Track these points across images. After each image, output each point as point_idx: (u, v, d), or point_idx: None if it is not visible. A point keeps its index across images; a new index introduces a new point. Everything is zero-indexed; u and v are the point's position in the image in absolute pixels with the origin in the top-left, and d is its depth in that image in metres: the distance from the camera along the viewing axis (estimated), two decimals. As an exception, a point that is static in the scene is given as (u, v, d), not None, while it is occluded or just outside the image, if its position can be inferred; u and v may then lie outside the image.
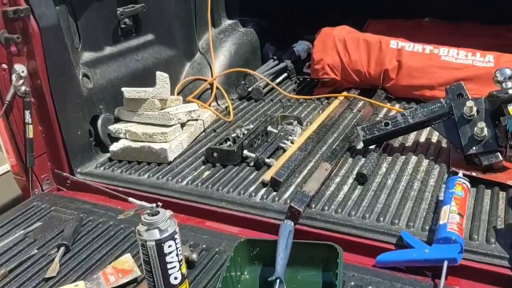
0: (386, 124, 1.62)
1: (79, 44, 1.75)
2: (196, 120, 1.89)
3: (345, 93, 2.13)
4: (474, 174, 1.45)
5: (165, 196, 1.52)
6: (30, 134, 1.57)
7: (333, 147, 1.68)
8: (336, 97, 2.12)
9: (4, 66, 1.51)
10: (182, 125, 1.82)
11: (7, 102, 1.51)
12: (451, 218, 1.19)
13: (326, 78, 2.17)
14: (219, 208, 1.45)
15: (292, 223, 1.15)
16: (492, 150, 1.46)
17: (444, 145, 1.68)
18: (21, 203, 1.53)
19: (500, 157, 1.45)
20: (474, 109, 1.49)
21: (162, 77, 1.77)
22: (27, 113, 1.56)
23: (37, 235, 1.36)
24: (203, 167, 1.67)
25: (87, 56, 1.79)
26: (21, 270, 1.23)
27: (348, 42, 2.14)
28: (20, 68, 1.53)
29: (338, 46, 2.14)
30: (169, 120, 1.75)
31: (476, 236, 1.21)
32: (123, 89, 1.79)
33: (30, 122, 1.56)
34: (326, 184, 1.48)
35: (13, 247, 1.32)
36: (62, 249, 1.27)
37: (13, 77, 1.52)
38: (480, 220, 1.27)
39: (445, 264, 1.10)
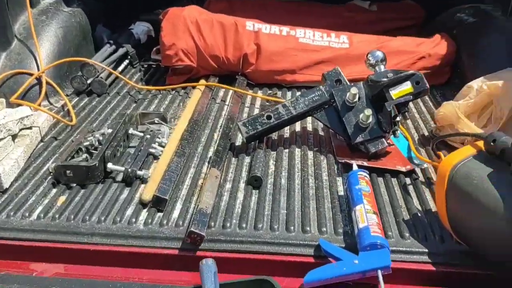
0: (269, 118, 1.47)
1: None
2: (30, 128, 1.46)
3: (204, 82, 1.92)
4: (365, 163, 1.40)
5: (10, 240, 1.12)
6: None
7: (212, 148, 1.47)
8: (194, 87, 1.89)
9: None
10: (14, 137, 1.39)
11: None
12: (370, 219, 1.11)
13: (181, 65, 1.92)
14: (91, 245, 1.12)
15: (213, 261, 0.92)
16: (377, 137, 1.43)
17: (321, 133, 1.61)
18: None
19: (386, 143, 1.43)
20: (357, 96, 1.44)
21: (-24, 76, 1.31)
22: None
23: None
24: (54, 190, 1.29)
25: None
26: None
27: (202, 24, 1.91)
28: None
29: (191, 28, 1.90)
30: (-6, 133, 1.31)
31: (390, 233, 1.15)
32: None
33: None
34: (218, 194, 1.27)
35: None
36: None
37: None
38: (387, 214, 1.22)
39: (380, 274, 1.01)
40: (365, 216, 1.11)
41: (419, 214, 1.22)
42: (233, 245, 1.12)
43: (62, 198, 1.25)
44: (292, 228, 1.16)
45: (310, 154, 1.49)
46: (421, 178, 1.38)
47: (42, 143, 1.51)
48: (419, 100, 1.81)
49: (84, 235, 1.13)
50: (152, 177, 1.30)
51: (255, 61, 1.93)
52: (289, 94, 1.92)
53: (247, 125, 1.46)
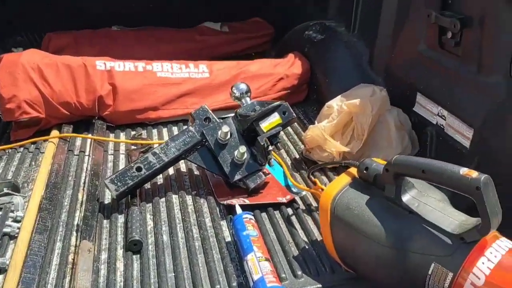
0: (139, 169, 1.36)
1: None
2: None
3: (56, 133, 1.71)
4: (247, 201, 1.36)
5: None
6: None
7: (79, 214, 1.31)
8: (46, 140, 1.68)
9: None
10: None
11: None
12: (263, 268, 1.07)
13: (26, 117, 1.69)
14: None
15: None
16: (255, 171, 1.41)
17: (196, 172, 1.54)
18: None
19: (264, 176, 1.42)
20: (229, 133, 1.40)
21: None
22: None
23: None
24: None
25: None
26: None
27: (45, 70, 1.71)
28: None
29: (33, 76, 1.68)
30: None
31: (284, 275, 1.13)
32: None
33: None
34: (95, 270, 1.13)
35: None
36: None
37: None
38: (277, 254, 1.19)
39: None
40: (258, 265, 1.07)
41: (307, 247, 1.22)
42: (121, 330, 1.00)
43: None
44: (183, 293, 1.08)
45: (189, 199, 1.41)
46: (302, 206, 1.38)
47: None
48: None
49: None
50: (11, 265, 1.10)
51: (112, 102, 1.78)
52: (154, 131, 1.82)
53: (116, 181, 1.33)
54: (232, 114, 1.46)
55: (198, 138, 1.41)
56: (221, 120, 1.44)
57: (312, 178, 1.45)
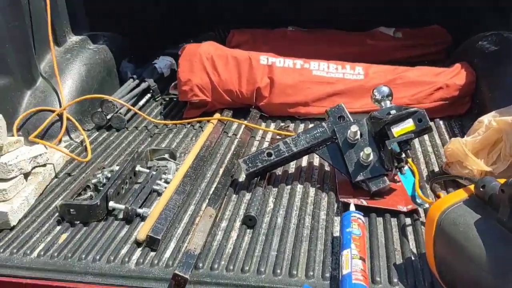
0: (269, 155, 1.48)
1: None
2: (44, 165, 1.55)
3: (218, 116, 1.96)
4: (364, 202, 1.37)
5: (9, 277, 1.19)
6: None
7: (215, 185, 1.49)
8: (208, 121, 1.93)
9: None
10: (26, 175, 1.48)
11: None
12: (354, 265, 1.08)
13: (196, 100, 1.97)
14: (84, 284, 1.16)
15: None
16: (379, 175, 1.40)
17: (327, 168, 1.59)
18: None
19: (388, 182, 1.40)
20: (358, 133, 1.42)
21: (-8, 118, 1.41)
22: None
23: None
24: (58, 228, 1.35)
25: None
26: None
27: (217, 60, 1.96)
28: None
29: (206, 65, 1.95)
30: (7, 172, 1.39)
31: (378, 279, 1.12)
32: None
33: None
34: (212, 233, 1.29)
35: None
36: None
37: None
38: (379, 258, 1.19)
39: (357, 324, 0.98)
40: (350, 262, 1.09)
41: (413, 258, 1.18)
42: (214, 287, 1.13)
43: (64, 236, 1.31)
44: (279, 271, 1.16)
45: (312, 191, 1.48)
46: (422, 218, 1.33)
47: (56, 179, 1.59)
48: (434, 131, 1.76)
49: (78, 274, 1.18)
50: (150, 216, 1.33)
51: (268, 94, 1.95)
52: (302, 126, 1.92)
53: (248, 162, 1.47)
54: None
55: (328, 134, 1.46)
56: (355, 120, 1.47)
57: (436, 191, 1.37)
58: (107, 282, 1.16)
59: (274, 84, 1.93)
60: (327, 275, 1.14)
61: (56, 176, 1.60)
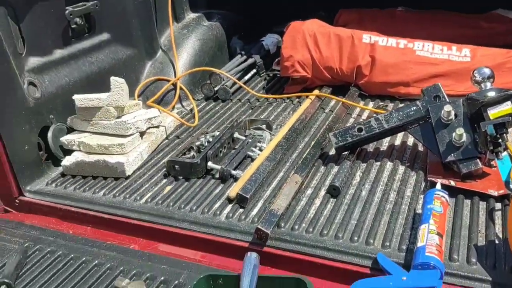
0: (360, 130, 1.51)
1: (23, 49, 1.59)
2: (157, 127, 1.75)
3: (316, 92, 2.02)
4: (452, 183, 1.36)
5: (122, 217, 1.40)
6: (-31, 152, 1.41)
7: (304, 155, 1.57)
8: (307, 96, 2.01)
9: None
10: (142, 133, 1.68)
11: None
12: (430, 240, 1.10)
13: (296, 75, 2.05)
14: (180, 229, 1.33)
15: (257, 256, 1.04)
16: (471, 157, 1.37)
17: (420, 148, 1.58)
18: (-40, 231, 1.38)
19: (480, 164, 1.37)
20: (452, 113, 1.40)
21: (117, 82, 1.63)
22: (-37, 129, 1.40)
23: (-23, 269, 1.22)
24: (164, 181, 1.54)
25: (33, 62, 1.63)
26: (-45, 315, 1.09)
27: (319, 37, 2.02)
28: (-47, 80, 1.37)
29: (308, 41, 2.02)
30: (126, 130, 1.61)
31: (456, 257, 1.12)
32: (74, 96, 1.64)
33: (-32, 140, 1.41)
34: (296, 198, 1.38)
35: (-50, 285, 1.18)
36: (2, 288, 1.13)
37: None
38: (460, 237, 1.18)
39: (425, 293, 1.01)
40: (426, 235, 1.11)
41: (496, 242, 1.16)
42: (296, 246, 1.21)
43: (168, 188, 1.49)
44: (356, 238, 1.21)
45: (401, 169, 1.49)
46: (514, 205, 1.28)
47: (166, 140, 1.79)
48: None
49: (176, 220, 1.35)
50: (242, 177, 1.46)
51: (368, 73, 1.96)
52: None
53: (338, 136, 1.52)
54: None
55: (422, 114, 1.46)
56: (450, 100, 1.44)
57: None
58: (200, 230, 1.31)
59: (375, 63, 1.94)
60: (403, 247, 1.17)
61: (166, 137, 1.80)
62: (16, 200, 1.52)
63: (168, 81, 2.04)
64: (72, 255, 1.25)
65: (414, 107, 1.48)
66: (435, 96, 1.48)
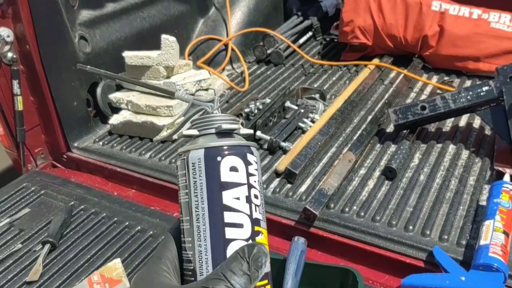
0: (423, 108, 1.40)
1: (75, 1, 1.54)
2: (207, 90, 1.69)
3: (376, 61, 1.89)
4: (523, 175, 1.24)
5: (167, 182, 1.36)
6: (20, 106, 1.41)
7: (359, 131, 1.48)
8: (366, 65, 1.88)
9: (-14, 30, 1.33)
10: (190, 95, 1.63)
11: (-9, 71, 1.34)
12: (495, 238, 1.01)
13: (356, 42, 1.92)
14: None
15: (305, 241, 0.98)
16: (547, 148, 1.24)
17: (487, 132, 1.46)
18: (9, 184, 1.39)
19: (556, 157, 1.24)
20: (531, 97, 1.26)
21: (168, 41, 1.56)
22: (15, 83, 1.39)
23: (24, 225, 1.23)
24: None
25: (84, 15, 1.58)
26: (1, 270, 1.10)
27: (384, 2, 1.86)
28: (5, 32, 1.34)
29: (372, 6, 1.87)
30: (175, 91, 1.56)
31: (523, 259, 1.03)
32: (124, 53, 1.59)
33: (19, 93, 1.40)
34: (348, 178, 1.30)
35: (-3, 238, 1.20)
36: (47, 247, 1.13)
37: (-3, 42, 1.34)
38: (529, 237, 1.08)
39: (485, 297, 0.93)
40: (491, 233, 1.02)
41: None
42: (346, 230, 1.15)
43: (215, 155, 1.44)
44: (411, 227, 1.13)
45: (465, 154, 1.38)
46: None
47: (214, 104, 1.72)
48: None
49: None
50: (291, 150, 1.39)
51: (435, 44, 1.80)
52: (468, 83, 1.76)
53: (398, 113, 1.42)
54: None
55: (494, 95, 1.32)
56: (529, 83, 1.30)
57: None
58: (245, 204, 1.26)
59: (443, 33, 1.78)
60: (463, 242, 1.08)
61: (215, 101, 1.73)
62: (64, 156, 1.52)
63: (220, 40, 1.96)
64: (115, 219, 1.24)
65: (485, 87, 1.34)
66: (511, 77, 1.33)
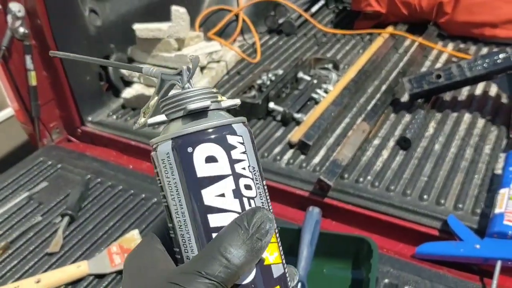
0: (438, 77, 1.38)
1: (84, -26, 1.52)
2: (218, 62, 1.68)
3: (390, 29, 1.86)
4: (540, 143, 1.22)
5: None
6: (33, 81, 1.41)
7: (373, 101, 1.47)
8: (379, 34, 1.85)
9: (-2, 5, 1.33)
10: (202, 68, 1.62)
11: (4, 47, 1.34)
12: (510, 206, 1.00)
13: (369, 10, 1.88)
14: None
15: (320, 211, 0.99)
16: None
17: (504, 100, 1.43)
18: (26, 158, 1.41)
19: None
20: (550, 64, 1.23)
21: (178, 13, 1.55)
22: (28, 58, 1.39)
23: (42, 198, 1.26)
24: (224, 120, 1.49)
25: (94, -13, 1.57)
26: (23, 242, 1.13)
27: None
28: (16, 7, 1.33)
29: (386, -28, 1.82)
30: (186, 63, 1.54)
31: (538, 227, 1.02)
32: (134, 26, 1.58)
33: (32, 68, 1.40)
34: (362, 148, 1.29)
35: (17, 212, 1.22)
36: (66, 219, 1.16)
37: (9, 18, 1.33)
38: (544, 205, 1.07)
39: (498, 264, 0.93)
40: (506, 201, 1.01)
41: None
42: (360, 200, 1.15)
43: (227, 128, 1.44)
44: (425, 197, 1.13)
45: (481, 122, 1.36)
46: None
47: (226, 76, 1.71)
48: None
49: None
50: (305, 121, 1.38)
51: (451, 11, 1.76)
52: (484, 50, 1.72)
53: (413, 82, 1.40)
54: None
55: (511, 62, 1.30)
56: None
57: None
58: (259, 175, 1.27)
59: (459, 0, 1.74)
60: (478, 211, 1.08)
61: (227, 73, 1.73)
62: (79, 130, 1.54)
63: (231, 11, 1.93)
64: (132, 191, 1.25)
65: (502, 54, 1.32)
66: (531, 43, 1.30)
